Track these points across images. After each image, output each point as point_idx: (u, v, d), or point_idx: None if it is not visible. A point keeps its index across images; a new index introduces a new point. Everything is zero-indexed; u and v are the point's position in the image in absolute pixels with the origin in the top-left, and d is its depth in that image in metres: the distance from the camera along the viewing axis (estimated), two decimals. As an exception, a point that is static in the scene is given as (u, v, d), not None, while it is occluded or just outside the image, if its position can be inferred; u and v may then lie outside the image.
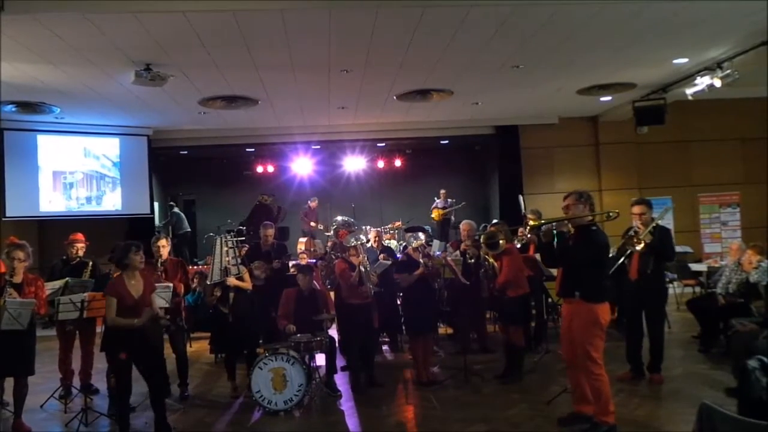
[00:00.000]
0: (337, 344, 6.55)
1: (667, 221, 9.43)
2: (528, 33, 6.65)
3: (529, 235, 6.85)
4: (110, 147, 11.09)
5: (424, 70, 7.95)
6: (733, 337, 6.25)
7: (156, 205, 12.35)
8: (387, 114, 10.68)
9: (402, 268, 6.39)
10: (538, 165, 12.01)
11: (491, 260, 6.44)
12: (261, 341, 6.50)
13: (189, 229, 12.84)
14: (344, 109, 10.16)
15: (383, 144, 13.13)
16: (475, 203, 13.60)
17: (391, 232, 12.09)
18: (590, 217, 4.72)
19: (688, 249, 10.68)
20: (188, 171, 14.02)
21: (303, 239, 12.13)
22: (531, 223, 4.95)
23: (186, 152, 12.67)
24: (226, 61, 7.16)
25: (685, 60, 8.02)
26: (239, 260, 6.26)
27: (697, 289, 9.80)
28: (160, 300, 5.59)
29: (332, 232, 10.08)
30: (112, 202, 11.12)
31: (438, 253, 7.31)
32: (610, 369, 4.81)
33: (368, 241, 8.47)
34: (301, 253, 10.93)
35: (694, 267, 10.13)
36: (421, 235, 6.62)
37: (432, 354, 6.82)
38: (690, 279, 10.00)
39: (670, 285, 7.26)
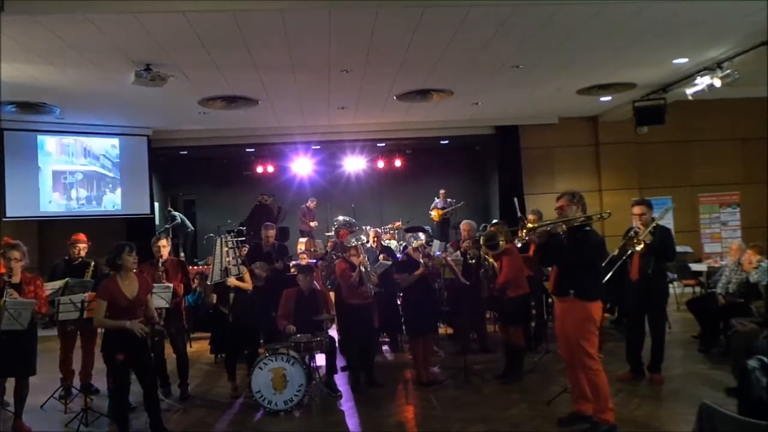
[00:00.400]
0: (337, 344, 6.55)
1: (667, 221, 9.42)
2: (528, 33, 6.66)
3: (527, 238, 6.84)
4: (110, 147, 11.10)
5: (424, 70, 7.95)
6: (733, 337, 6.25)
7: (156, 205, 12.35)
8: (387, 114, 10.69)
9: (402, 268, 6.39)
10: (538, 165, 12.02)
11: (491, 260, 6.45)
12: (261, 341, 6.50)
13: (192, 228, 12.91)
14: (344, 109, 10.16)
15: (383, 144, 13.14)
16: (475, 203, 13.61)
17: (391, 232, 12.09)
18: (584, 218, 4.76)
19: (688, 249, 10.67)
20: (188, 171, 14.04)
21: (303, 239, 12.12)
22: (529, 225, 4.98)
23: (186, 152, 12.68)
24: (226, 61, 7.16)
25: (685, 60, 8.02)
26: (239, 260, 6.26)
27: (697, 289, 9.80)
28: (160, 300, 5.60)
29: (333, 232, 10.08)
30: (112, 202, 11.13)
31: (438, 253, 7.30)
32: (610, 369, 4.81)
33: (367, 241, 8.46)
34: (301, 253, 10.93)
35: (694, 267, 10.12)
36: (422, 235, 6.61)
37: (432, 354, 6.81)
38: (690, 279, 10.00)
39: (670, 285, 7.26)
